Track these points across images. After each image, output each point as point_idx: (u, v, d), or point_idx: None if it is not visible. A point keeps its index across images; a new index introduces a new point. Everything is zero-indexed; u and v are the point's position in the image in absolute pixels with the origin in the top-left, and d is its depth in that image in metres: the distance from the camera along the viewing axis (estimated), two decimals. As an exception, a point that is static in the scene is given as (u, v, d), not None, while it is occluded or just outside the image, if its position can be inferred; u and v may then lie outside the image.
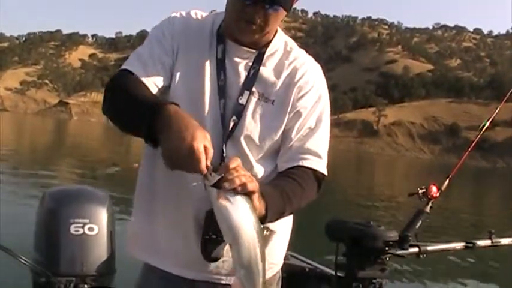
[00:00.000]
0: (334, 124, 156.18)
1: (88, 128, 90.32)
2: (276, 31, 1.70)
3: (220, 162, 1.37)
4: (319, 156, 1.67)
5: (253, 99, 1.62)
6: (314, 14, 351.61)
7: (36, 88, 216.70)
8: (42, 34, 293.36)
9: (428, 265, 8.58)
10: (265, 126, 1.63)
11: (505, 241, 2.93)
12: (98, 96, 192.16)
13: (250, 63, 1.65)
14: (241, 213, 1.25)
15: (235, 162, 1.28)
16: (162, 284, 1.71)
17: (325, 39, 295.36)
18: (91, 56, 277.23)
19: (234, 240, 1.25)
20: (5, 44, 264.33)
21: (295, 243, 2.09)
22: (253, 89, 1.63)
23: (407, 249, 2.55)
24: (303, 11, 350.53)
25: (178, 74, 1.64)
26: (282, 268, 1.90)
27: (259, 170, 1.66)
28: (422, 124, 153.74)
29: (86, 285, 2.84)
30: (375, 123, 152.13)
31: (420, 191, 2.72)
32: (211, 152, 1.29)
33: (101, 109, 1.61)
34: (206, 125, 1.56)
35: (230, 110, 1.61)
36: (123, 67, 1.62)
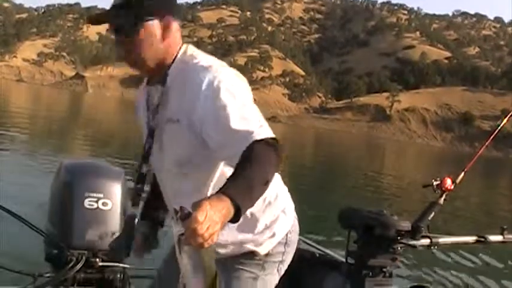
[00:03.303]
0: (348, 108, 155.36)
1: (103, 101, 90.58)
2: (177, 53, 1.87)
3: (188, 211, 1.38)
4: (251, 131, 1.65)
5: (167, 127, 1.84)
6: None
7: (53, 60, 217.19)
8: (61, 6, 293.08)
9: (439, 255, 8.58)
10: (178, 144, 1.83)
11: (516, 238, 2.93)
12: (115, 70, 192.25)
13: (158, 97, 1.89)
14: (193, 267, 1.39)
15: (194, 223, 1.33)
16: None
17: (344, 22, 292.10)
18: (109, 30, 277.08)
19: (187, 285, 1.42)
20: (24, 15, 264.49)
21: (306, 229, 2.10)
22: (166, 118, 1.84)
23: (419, 240, 2.56)
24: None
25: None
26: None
27: (190, 185, 1.86)
28: (436, 111, 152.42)
29: (97, 259, 2.87)
30: (388, 109, 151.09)
31: (435, 183, 2.71)
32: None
33: None
34: (152, 155, 1.95)
35: (151, 139, 1.92)
36: None
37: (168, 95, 1.85)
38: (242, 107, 1.72)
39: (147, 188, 2.01)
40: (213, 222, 1.35)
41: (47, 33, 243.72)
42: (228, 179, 1.53)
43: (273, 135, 1.68)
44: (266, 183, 1.59)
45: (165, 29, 1.81)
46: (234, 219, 1.44)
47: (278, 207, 1.97)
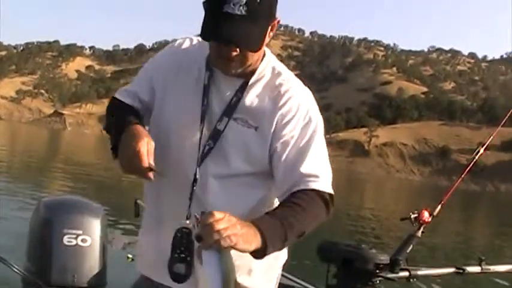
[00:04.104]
0: (327, 143, 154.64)
1: (82, 139, 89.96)
2: (264, 55, 1.71)
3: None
4: (317, 176, 1.59)
5: (234, 125, 1.63)
6: (311, 33, 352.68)
7: (31, 97, 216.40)
8: (40, 44, 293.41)
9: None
10: (245, 152, 1.64)
11: (494, 268, 2.96)
12: (93, 108, 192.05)
13: (234, 91, 1.66)
14: (212, 270, 1.26)
15: (210, 218, 1.24)
16: None
17: (321, 59, 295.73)
18: (88, 67, 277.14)
19: None
20: (3, 53, 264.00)
21: (286, 263, 2.10)
22: (235, 115, 1.64)
23: (397, 273, 2.57)
24: (300, 30, 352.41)
25: (167, 97, 1.72)
26: None
27: (240, 196, 1.67)
28: (414, 146, 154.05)
29: (76, 297, 2.84)
30: (366, 144, 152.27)
31: (412, 216, 2.75)
32: (149, 153, 1.51)
33: None
34: (185, 147, 1.66)
35: (207, 134, 1.64)
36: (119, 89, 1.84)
37: (244, 94, 1.65)
38: (320, 149, 1.67)
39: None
40: (232, 225, 1.25)
41: (25, 70, 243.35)
42: (267, 213, 1.44)
43: (332, 191, 1.62)
44: (301, 236, 1.49)
45: (272, 30, 1.62)
46: (256, 255, 1.34)
47: None
